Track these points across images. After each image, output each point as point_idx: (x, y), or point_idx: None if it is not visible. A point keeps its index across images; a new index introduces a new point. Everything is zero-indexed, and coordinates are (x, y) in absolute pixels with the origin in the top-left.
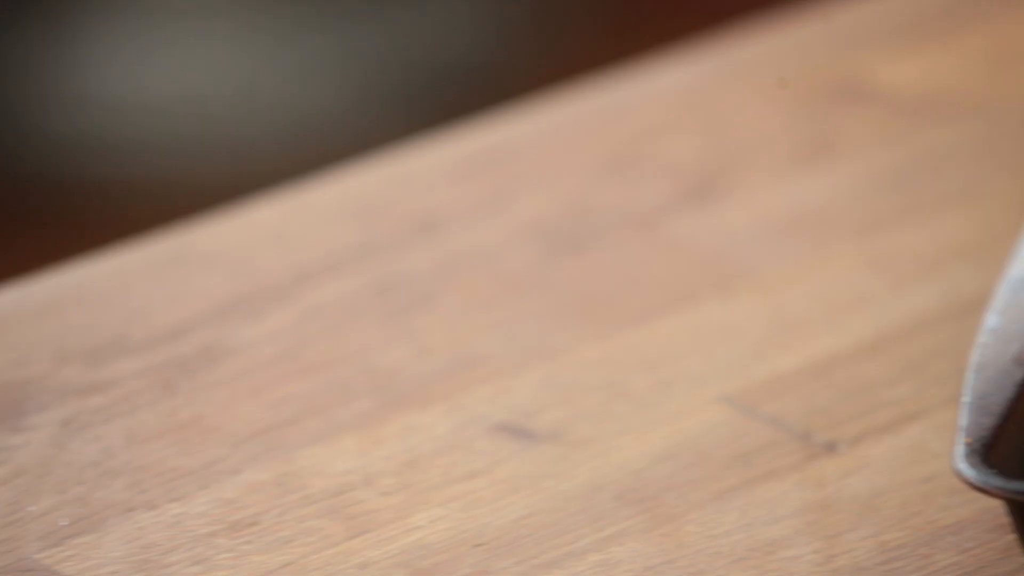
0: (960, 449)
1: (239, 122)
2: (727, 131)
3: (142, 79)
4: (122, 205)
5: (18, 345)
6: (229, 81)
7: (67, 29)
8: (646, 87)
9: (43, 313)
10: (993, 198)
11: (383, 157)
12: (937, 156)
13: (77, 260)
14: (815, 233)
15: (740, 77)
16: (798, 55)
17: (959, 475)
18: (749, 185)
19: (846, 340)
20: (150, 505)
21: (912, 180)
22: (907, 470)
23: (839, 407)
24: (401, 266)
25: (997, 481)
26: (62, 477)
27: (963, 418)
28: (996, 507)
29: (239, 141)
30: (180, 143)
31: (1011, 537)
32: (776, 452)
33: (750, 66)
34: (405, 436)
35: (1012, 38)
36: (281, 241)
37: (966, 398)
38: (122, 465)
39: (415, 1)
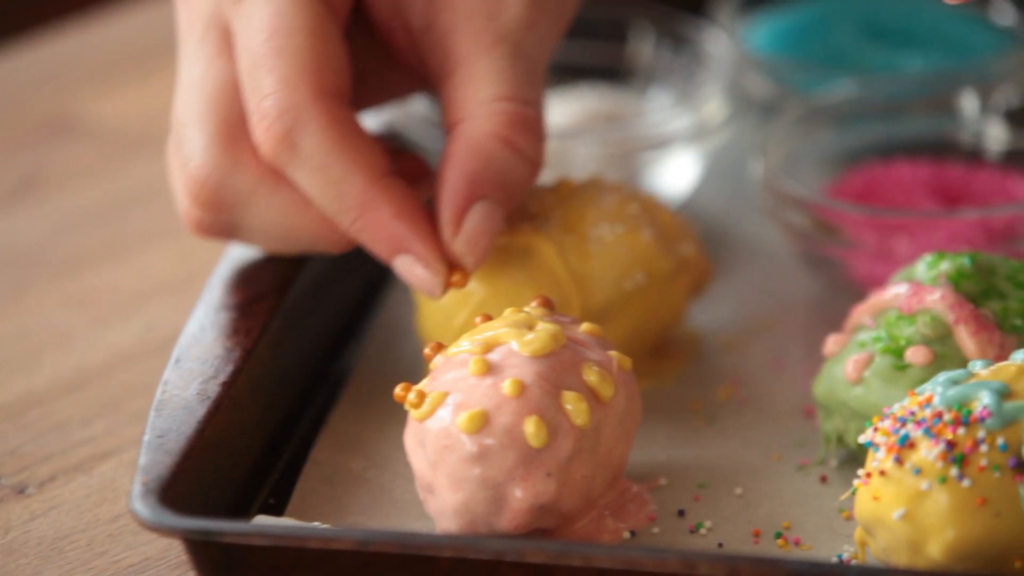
0: (137, 488)
1: None
2: None
3: None
4: None
5: None
6: None
7: None
8: None
9: None
10: None
11: None
12: (144, 191)
13: None
14: (16, 272)
15: None
16: (6, 90)
17: (135, 515)
18: None
19: (43, 379)
20: None
21: (118, 216)
22: (96, 510)
23: (31, 448)
24: None
25: (171, 520)
26: None
27: (142, 456)
28: (180, 544)
29: None
30: None
31: (192, 573)
32: None
33: None
34: None
35: None
36: None
37: (147, 436)
38: None
39: None
